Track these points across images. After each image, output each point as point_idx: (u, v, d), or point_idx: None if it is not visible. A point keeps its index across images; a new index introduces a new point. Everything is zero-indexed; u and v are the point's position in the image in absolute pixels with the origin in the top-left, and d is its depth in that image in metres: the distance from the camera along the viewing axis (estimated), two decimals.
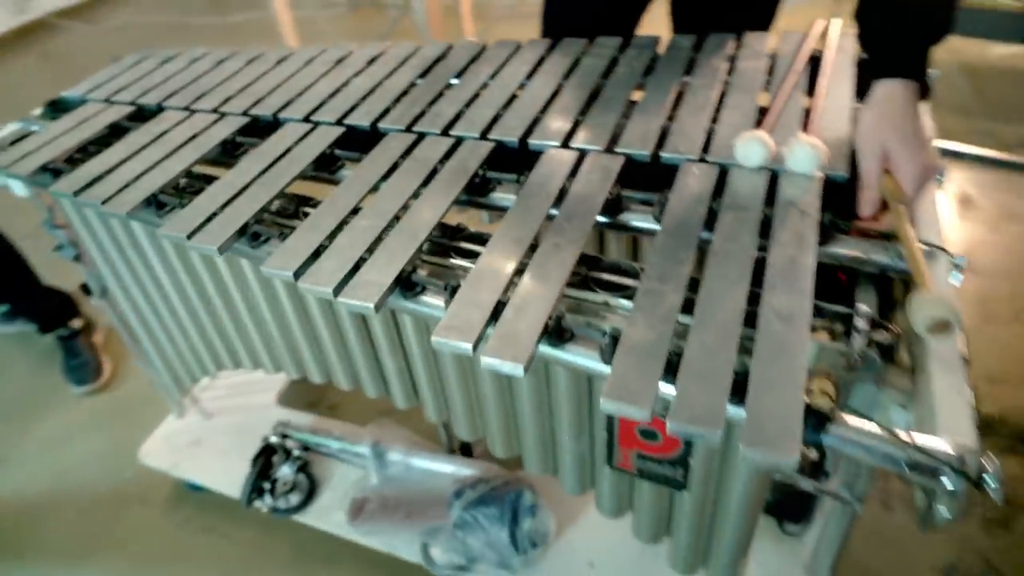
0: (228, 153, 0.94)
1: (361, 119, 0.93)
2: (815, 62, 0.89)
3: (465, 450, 1.34)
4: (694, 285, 0.60)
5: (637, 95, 0.90)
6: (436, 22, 2.69)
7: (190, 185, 0.88)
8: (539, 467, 0.85)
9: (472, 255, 0.71)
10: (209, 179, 0.87)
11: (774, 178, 0.71)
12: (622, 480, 0.80)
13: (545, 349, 0.60)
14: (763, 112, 0.81)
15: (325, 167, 0.88)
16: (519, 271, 0.64)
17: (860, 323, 0.59)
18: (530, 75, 0.98)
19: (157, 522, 1.42)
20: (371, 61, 1.09)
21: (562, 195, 0.73)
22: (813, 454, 0.91)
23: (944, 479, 0.49)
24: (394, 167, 0.82)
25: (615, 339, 0.56)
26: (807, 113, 0.80)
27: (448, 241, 0.74)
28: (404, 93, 0.98)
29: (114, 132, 1.03)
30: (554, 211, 0.72)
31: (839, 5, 3.19)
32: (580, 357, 0.60)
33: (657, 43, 1.02)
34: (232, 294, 0.97)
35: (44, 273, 1.76)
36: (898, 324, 0.62)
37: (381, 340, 0.85)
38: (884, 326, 0.60)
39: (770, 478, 0.69)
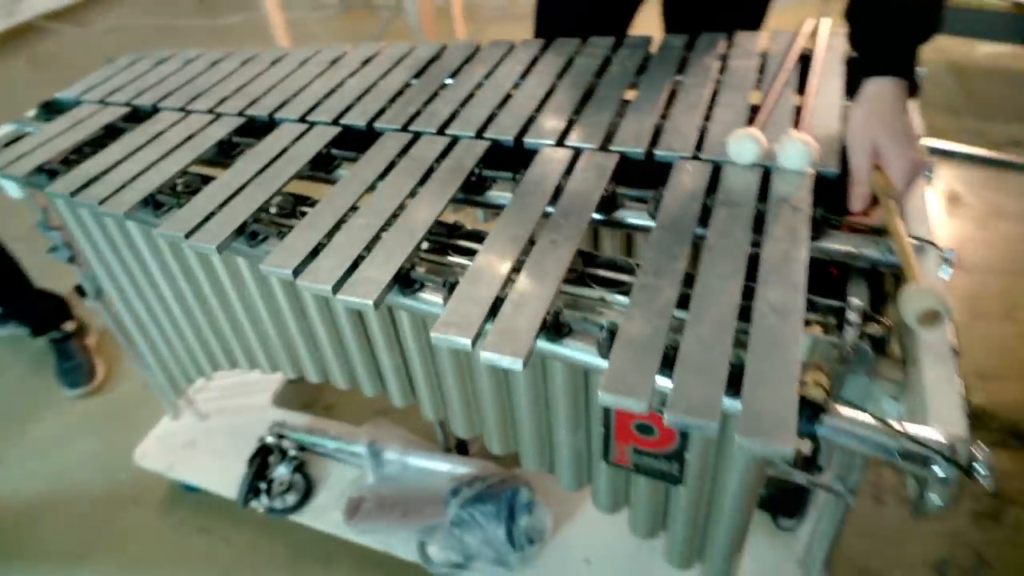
0: (224, 153, 0.94)
1: (357, 119, 0.93)
2: (805, 61, 0.90)
3: (461, 448, 1.34)
4: (689, 280, 0.61)
5: (630, 94, 0.91)
6: (428, 23, 2.70)
7: (187, 185, 0.88)
8: (536, 464, 0.85)
9: (469, 252, 0.72)
10: (206, 179, 0.88)
11: (766, 175, 0.72)
12: (618, 475, 0.81)
13: (543, 344, 0.61)
14: (755, 110, 0.82)
15: (322, 167, 0.88)
16: (516, 268, 0.64)
17: (852, 316, 0.60)
18: (524, 75, 0.99)
19: (152, 524, 1.42)
20: (366, 62, 1.10)
21: (558, 193, 0.74)
22: (807, 448, 0.92)
23: (935, 467, 0.50)
24: (391, 166, 0.82)
25: (612, 333, 0.57)
26: (798, 111, 0.81)
27: (445, 239, 0.75)
28: (399, 93, 0.99)
29: (109, 133, 1.03)
30: (550, 209, 0.72)
31: (827, 5, 3.22)
32: (578, 352, 0.60)
33: (649, 43, 1.03)
34: (228, 293, 0.98)
35: (36, 276, 1.76)
36: (889, 317, 0.63)
37: (378, 338, 0.85)
38: (876, 319, 0.61)
39: (764, 472, 0.70)
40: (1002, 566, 1.22)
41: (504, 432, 0.85)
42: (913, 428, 0.51)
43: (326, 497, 1.29)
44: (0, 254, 1.66)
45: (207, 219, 0.78)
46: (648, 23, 1.24)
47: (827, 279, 0.67)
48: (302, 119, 0.96)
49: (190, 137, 0.96)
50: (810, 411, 0.52)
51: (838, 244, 0.67)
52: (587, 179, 0.75)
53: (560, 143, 0.83)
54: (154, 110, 1.07)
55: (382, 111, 0.95)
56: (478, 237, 0.74)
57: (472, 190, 0.80)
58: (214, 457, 1.39)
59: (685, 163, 0.76)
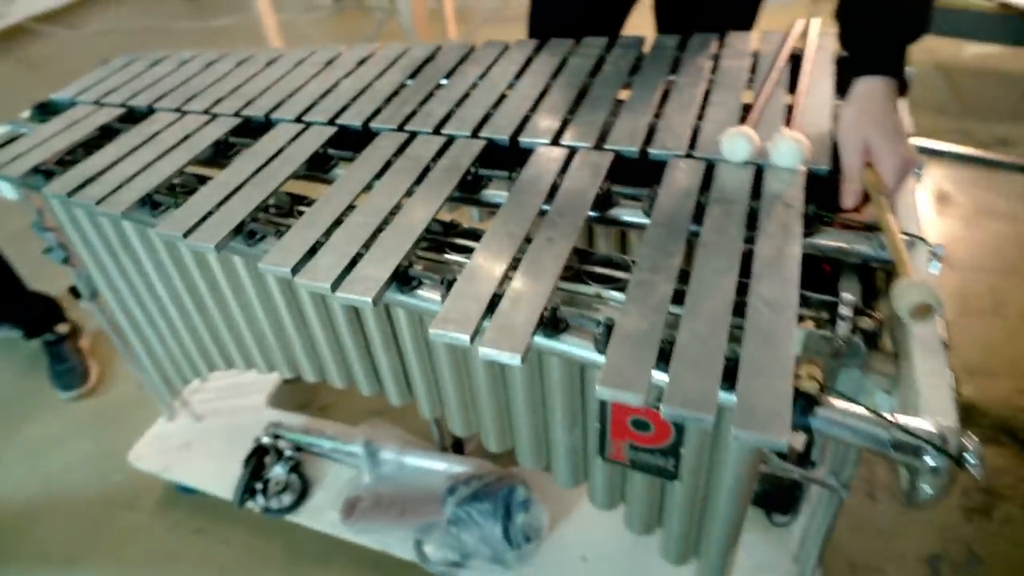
0: (221, 154, 0.95)
1: (353, 119, 0.94)
2: (796, 60, 0.91)
3: (457, 448, 1.35)
4: (684, 277, 0.61)
5: (624, 94, 0.92)
6: (422, 25, 2.70)
7: (183, 185, 0.89)
8: (532, 461, 0.86)
9: (466, 251, 0.73)
10: (202, 179, 0.88)
11: (759, 172, 0.73)
12: (614, 472, 0.81)
13: (541, 340, 0.61)
14: (747, 109, 0.83)
15: (318, 166, 0.89)
16: (513, 265, 0.65)
17: (845, 311, 0.61)
18: (518, 75, 1.00)
19: (148, 525, 1.42)
20: (361, 62, 1.10)
21: (553, 191, 0.75)
22: (801, 441, 0.93)
23: (927, 457, 0.51)
24: (387, 165, 0.83)
25: (609, 329, 0.58)
26: (789, 109, 0.82)
27: (442, 237, 0.76)
28: (395, 93, 0.99)
29: (105, 134, 1.03)
30: (546, 207, 0.73)
31: (817, 5, 3.25)
32: (575, 347, 0.61)
33: (642, 43, 1.04)
34: (225, 293, 0.98)
35: (29, 278, 1.75)
36: (880, 312, 0.64)
37: (375, 337, 0.86)
38: (867, 313, 0.62)
39: (758, 467, 0.70)
40: (993, 560, 1.23)
41: (501, 430, 0.86)
42: (905, 419, 0.52)
43: (322, 497, 1.29)
44: None
45: (205, 218, 0.78)
46: (641, 24, 1.25)
47: (820, 275, 0.68)
48: (298, 119, 0.97)
49: (186, 137, 0.96)
50: (804, 403, 0.53)
51: (830, 240, 0.68)
52: (582, 177, 0.76)
53: (555, 142, 0.83)
54: (150, 111, 1.07)
55: (378, 111, 0.95)
56: (475, 235, 0.75)
57: (468, 189, 0.81)
58: (210, 458, 1.39)
59: (679, 161, 0.77)
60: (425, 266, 0.72)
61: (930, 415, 0.54)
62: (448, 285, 0.65)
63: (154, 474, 1.40)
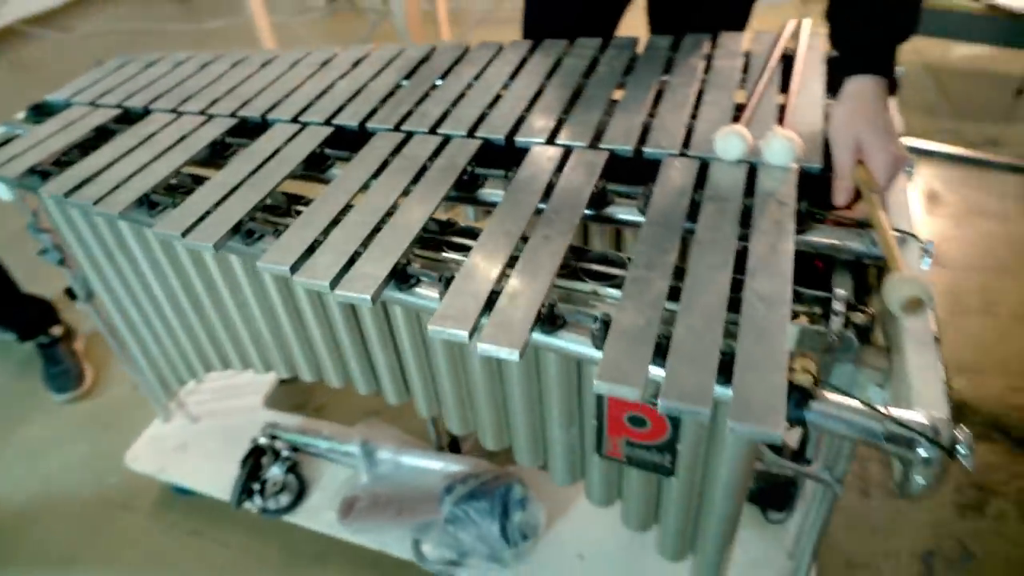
0: (218, 154, 0.95)
1: (349, 119, 0.94)
2: (787, 60, 0.93)
3: (454, 447, 1.35)
4: (679, 274, 0.62)
5: (618, 94, 0.93)
6: (415, 27, 2.71)
7: (181, 185, 0.89)
8: (530, 459, 0.86)
9: (464, 249, 0.73)
10: (199, 180, 0.88)
11: (752, 170, 0.74)
12: (611, 468, 0.82)
13: (538, 336, 0.62)
14: (740, 108, 0.84)
15: (315, 166, 0.89)
16: (511, 263, 0.66)
17: (837, 306, 0.61)
18: (513, 75, 1.00)
19: (144, 527, 1.42)
20: (356, 63, 1.11)
21: (549, 190, 0.76)
22: (796, 437, 0.94)
23: (920, 449, 0.52)
24: (384, 165, 0.83)
25: (606, 324, 0.59)
26: (782, 109, 0.83)
27: (439, 236, 0.76)
28: (391, 94, 1.00)
29: (101, 135, 1.04)
30: (542, 205, 0.74)
31: (807, 6, 3.27)
32: (572, 343, 0.62)
33: (636, 44, 1.05)
34: (222, 293, 0.98)
35: (24, 280, 1.75)
36: (873, 307, 0.65)
37: (372, 335, 0.86)
38: (860, 309, 0.63)
39: (754, 462, 0.71)
40: (986, 556, 1.24)
41: (498, 428, 0.86)
42: (898, 412, 0.53)
43: (320, 497, 1.29)
44: None
45: (203, 218, 0.78)
46: (634, 25, 1.26)
47: (813, 271, 0.68)
48: (294, 120, 0.97)
49: (183, 138, 0.96)
50: (798, 396, 0.53)
51: (823, 237, 0.69)
52: (578, 176, 0.77)
53: (550, 141, 0.84)
54: (145, 112, 1.07)
55: (374, 111, 0.96)
56: (472, 234, 0.76)
57: (465, 188, 0.81)
58: (206, 459, 1.39)
59: (673, 160, 0.77)
60: (423, 264, 0.72)
61: (922, 407, 0.54)
62: (446, 283, 0.65)
63: (150, 475, 1.40)
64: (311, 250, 0.71)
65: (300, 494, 1.29)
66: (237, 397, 1.52)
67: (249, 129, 0.97)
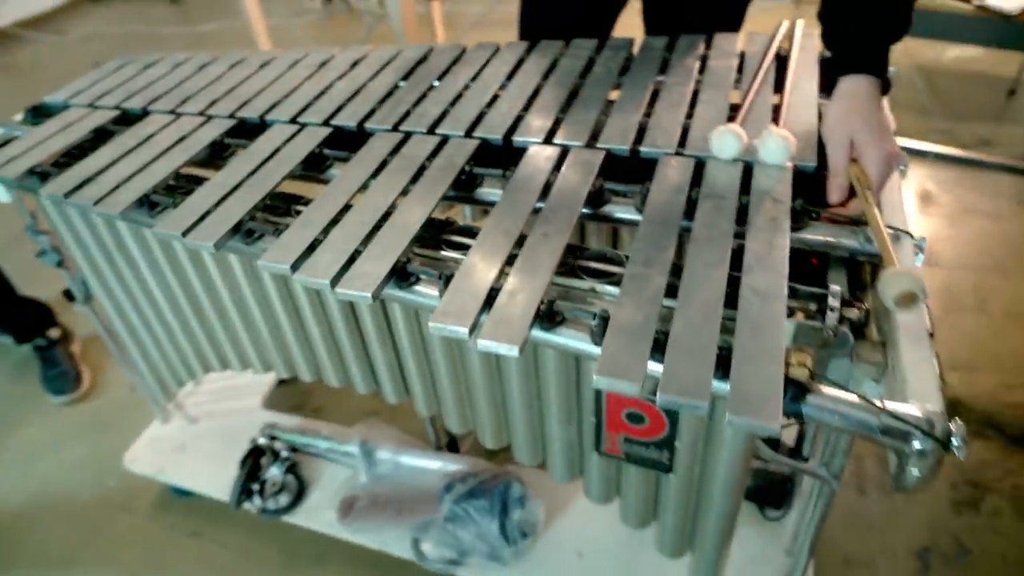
0: (217, 155, 0.95)
1: (347, 120, 0.95)
2: (781, 61, 0.93)
3: (452, 446, 1.36)
4: (677, 271, 0.63)
5: (614, 94, 0.93)
6: (411, 30, 2.71)
7: (180, 186, 0.89)
8: (528, 457, 0.87)
9: (462, 247, 0.74)
10: (199, 180, 0.88)
11: (748, 169, 0.75)
12: (610, 466, 0.83)
13: (538, 333, 0.62)
14: (735, 108, 0.85)
15: (314, 167, 0.90)
16: (509, 261, 0.66)
17: (833, 302, 0.62)
18: (510, 76, 1.01)
19: (143, 528, 1.42)
20: (354, 64, 1.11)
21: (547, 189, 0.76)
22: (792, 440, 0.94)
23: (915, 442, 0.53)
24: (383, 165, 0.84)
25: (605, 321, 0.59)
26: (776, 108, 0.84)
27: (439, 234, 0.77)
28: (389, 94, 1.00)
29: (100, 136, 1.04)
30: (540, 204, 0.74)
31: (800, 8, 3.29)
32: (571, 339, 0.62)
33: (631, 44, 1.06)
34: (221, 293, 0.98)
35: (22, 282, 1.75)
36: (867, 303, 0.66)
37: (372, 334, 0.87)
38: (855, 304, 0.63)
39: (751, 459, 0.72)
40: (981, 552, 1.25)
41: (497, 426, 0.87)
42: (893, 405, 0.54)
43: (319, 497, 1.30)
44: None
45: (203, 218, 0.79)
46: (630, 25, 1.27)
47: (808, 268, 0.69)
48: (293, 120, 0.97)
49: (182, 139, 0.96)
50: (795, 390, 0.54)
51: (818, 235, 0.70)
52: (575, 175, 0.78)
53: (548, 141, 0.85)
54: (144, 113, 1.08)
55: (372, 112, 0.96)
56: (470, 233, 0.76)
57: (463, 188, 0.82)
58: (204, 460, 1.39)
59: (670, 159, 0.78)
60: (422, 263, 0.73)
61: (917, 401, 0.55)
62: (446, 280, 0.66)
63: (149, 477, 1.40)
64: (311, 249, 0.71)
65: (299, 494, 1.30)
66: (236, 398, 1.52)
67: (248, 130, 0.98)
